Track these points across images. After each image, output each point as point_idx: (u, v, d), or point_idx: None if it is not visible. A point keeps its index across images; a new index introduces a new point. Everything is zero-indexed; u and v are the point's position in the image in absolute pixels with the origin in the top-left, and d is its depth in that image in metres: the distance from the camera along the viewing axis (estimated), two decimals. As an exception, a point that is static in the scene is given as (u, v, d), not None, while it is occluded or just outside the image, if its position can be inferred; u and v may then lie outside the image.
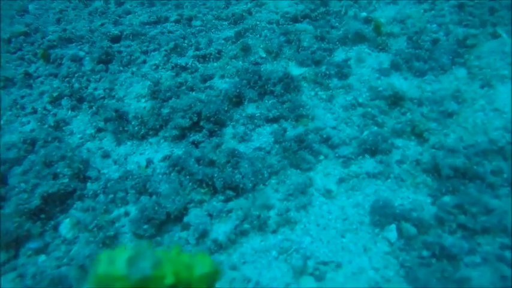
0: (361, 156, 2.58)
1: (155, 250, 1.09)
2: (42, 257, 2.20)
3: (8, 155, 2.62)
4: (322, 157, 2.62)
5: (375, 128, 2.73)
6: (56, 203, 2.45)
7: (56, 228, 2.36)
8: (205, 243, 2.18)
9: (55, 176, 2.49)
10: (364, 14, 3.79)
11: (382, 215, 2.19)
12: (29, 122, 3.32)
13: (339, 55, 3.45)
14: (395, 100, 2.79)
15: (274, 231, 2.20)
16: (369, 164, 2.52)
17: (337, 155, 2.61)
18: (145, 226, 2.17)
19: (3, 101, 3.53)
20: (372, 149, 2.55)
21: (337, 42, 3.55)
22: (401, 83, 3.01)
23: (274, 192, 2.41)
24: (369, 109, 2.84)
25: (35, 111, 3.43)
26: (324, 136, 2.68)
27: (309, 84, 3.17)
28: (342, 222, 2.24)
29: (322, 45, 3.49)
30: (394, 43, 3.46)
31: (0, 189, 2.41)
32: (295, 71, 3.28)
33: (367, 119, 2.79)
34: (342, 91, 3.08)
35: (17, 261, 2.16)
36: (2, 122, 3.33)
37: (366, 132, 2.69)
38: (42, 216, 2.36)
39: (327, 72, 3.15)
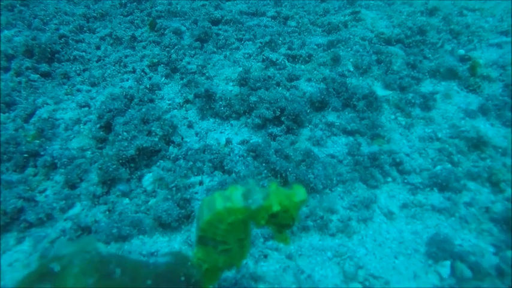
0: (429, 188, 2.64)
1: (261, 186, 1.30)
2: (126, 200, 2.52)
3: (113, 105, 2.98)
4: (390, 179, 2.71)
5: (449, 165, 2.76)
6: (144, 157, 2.76)
7: (140, 178, 2.67)
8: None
9: (149, 133, 2.81)
10: (462, 51, 3.76)
11: (440, 248, 2.25)
12: (128, 80, 3.71)
13: (426, 86, 3.47)
14: (478, 144, 2.80)
15: (332, 235, 2.34)
16: (435, 197, 2.57)
17: (405, 181, 2.68)
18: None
19: (111, 56, 3.96)
20: (442, 184, 2.60)
21: (427, 73, 3.58)
22: (486, 128, 3.00)
23: (340, 199, 2.54)
24: (447, 146, 2.86)
25: (134, 71, 3.81)
26: (397, 160, 2.76)
27: (390, 108, 3.25)
28: (397, 244, 2.34)
29: (412, 73, 3.53)
30: (488, 87, 3.42)
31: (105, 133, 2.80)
32: (380, 91, 3.37)
33: (443, 155, 2.82)
34: (422, 121, 3.12)
35: (108, 197, 2.49)
36: (106, 75, 3.76)
37: (438, 167, 2.73)
38: (132, 165, 2.68)
39: (412, 101, 3.20)
